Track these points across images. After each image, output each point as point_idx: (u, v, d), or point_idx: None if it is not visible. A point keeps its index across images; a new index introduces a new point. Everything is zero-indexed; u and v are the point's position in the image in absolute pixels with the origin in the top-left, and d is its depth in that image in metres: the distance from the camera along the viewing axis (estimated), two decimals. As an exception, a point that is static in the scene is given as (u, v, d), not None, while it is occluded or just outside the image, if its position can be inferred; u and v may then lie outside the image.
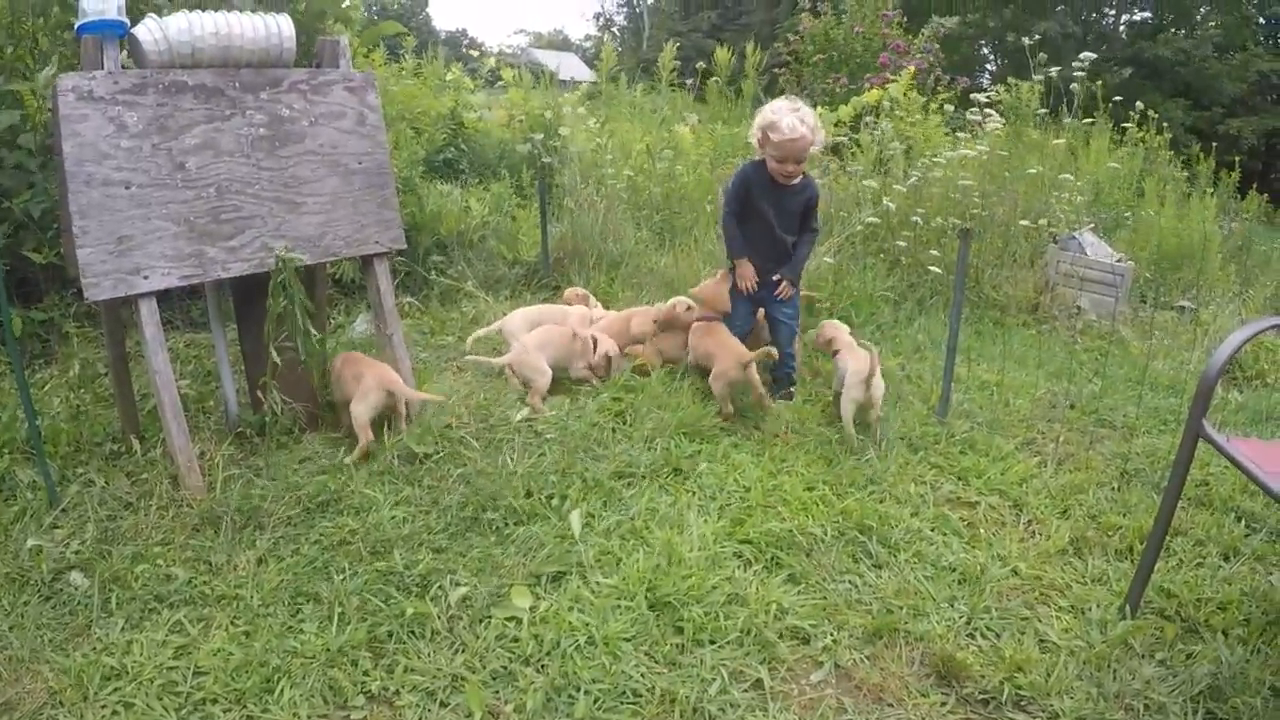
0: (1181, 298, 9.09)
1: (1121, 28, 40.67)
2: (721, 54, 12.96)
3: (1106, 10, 41.15)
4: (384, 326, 4.88)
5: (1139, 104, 11.75)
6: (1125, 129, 11.77)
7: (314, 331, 4.43)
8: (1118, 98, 11.80)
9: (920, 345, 6.67)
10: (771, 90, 17.13)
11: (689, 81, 14.09)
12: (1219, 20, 35.65)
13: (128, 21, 4.03)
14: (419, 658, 3.09)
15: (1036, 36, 13.25)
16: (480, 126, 11.10)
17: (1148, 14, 39.90)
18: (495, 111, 11.96)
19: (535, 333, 5.55)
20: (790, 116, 5.15)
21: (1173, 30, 36.34)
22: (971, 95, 9.58)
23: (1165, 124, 12.91)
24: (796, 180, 5.40)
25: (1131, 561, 3.83)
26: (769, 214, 5.47)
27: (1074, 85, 9.57)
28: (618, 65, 12.46)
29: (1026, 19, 35.40)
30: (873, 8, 16.03)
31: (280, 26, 4.42)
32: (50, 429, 4.48)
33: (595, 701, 2.93)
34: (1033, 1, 36.86)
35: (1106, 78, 14.77)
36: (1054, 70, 9.70)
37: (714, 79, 13.21)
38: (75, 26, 4.03)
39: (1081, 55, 9.63)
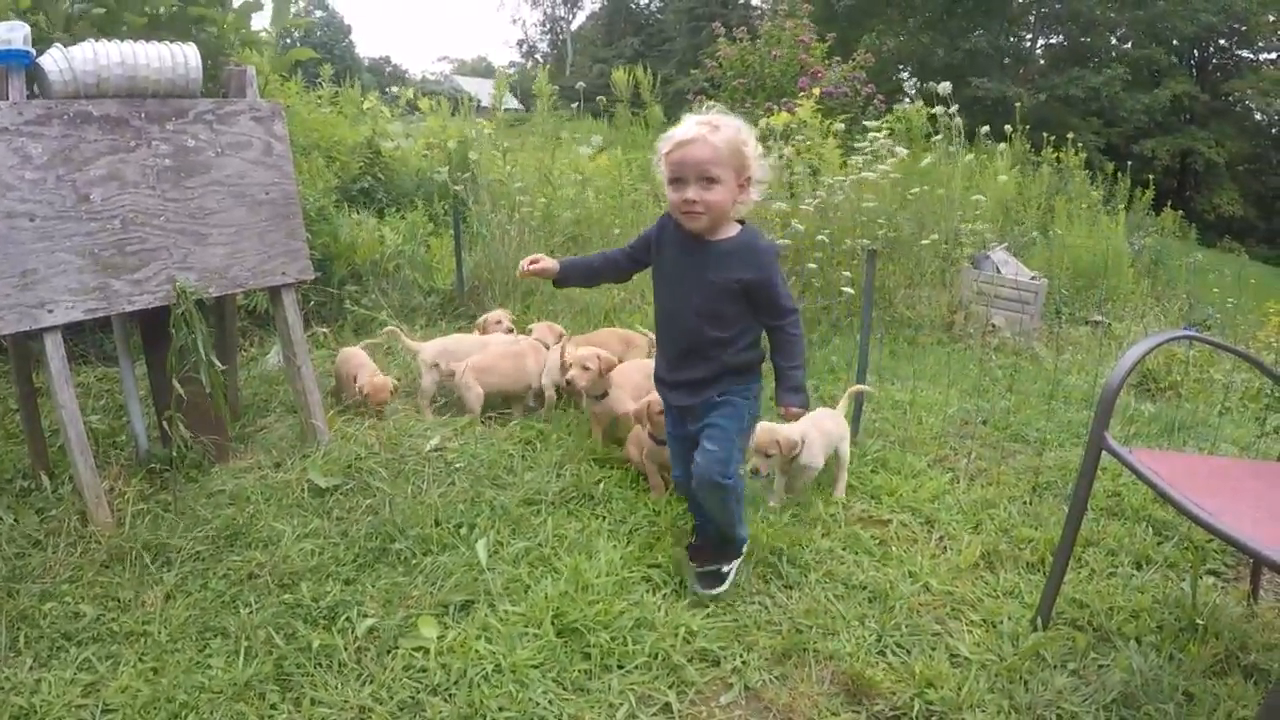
0: (1095, 313, 9.24)
1: (1039, 51, 41.46)
2: (619, 75, 12.99)
3: (1024, 35, 41.95)
4: (293, 358, 4.85)
5: (1052, 130, 12.01)
6: (1040, 151, 12.00)
7: (218, 364, 4.39)
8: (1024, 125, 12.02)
9: (834, 366, 6.75)
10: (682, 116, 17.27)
11: (599, 104, 14.12)
12: (1132, 45, 36.42)
13: (33, 52, 3.99)
14: (326, 690, 3.06)
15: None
16: (397, 155, 11.08)
17: (1063, 38, 40.71)
18: (414, 140, 11.95)
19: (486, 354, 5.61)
20: (688, 120, 3.50)
21: (1088, 57, 37.14)
22: (865, 124, 9.76)
23: (1079, 145, 13.14)
24: (712, 228, 3.51)
25: (1043, 573, 3.86)
26: (678, 286, 3.63)
27: (951, 113, 9.84)
28: (535, 93, 12.50)
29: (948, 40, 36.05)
30: (790, 33, 16.21)
31: (187, 56, 4.39)
32: (-41, 465, 4.39)
33: (503, 730, 2.92)
34: (953, 24, 37.47)
35: (1023, 102, 15.04)
36: (945, 94, 9.94)
37: (619, 103, 13.24)
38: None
39: (941, 85, 9.91)
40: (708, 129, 3.40)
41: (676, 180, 3.46)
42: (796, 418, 3.68)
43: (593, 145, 10.48)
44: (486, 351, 5.64)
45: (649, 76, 13.02)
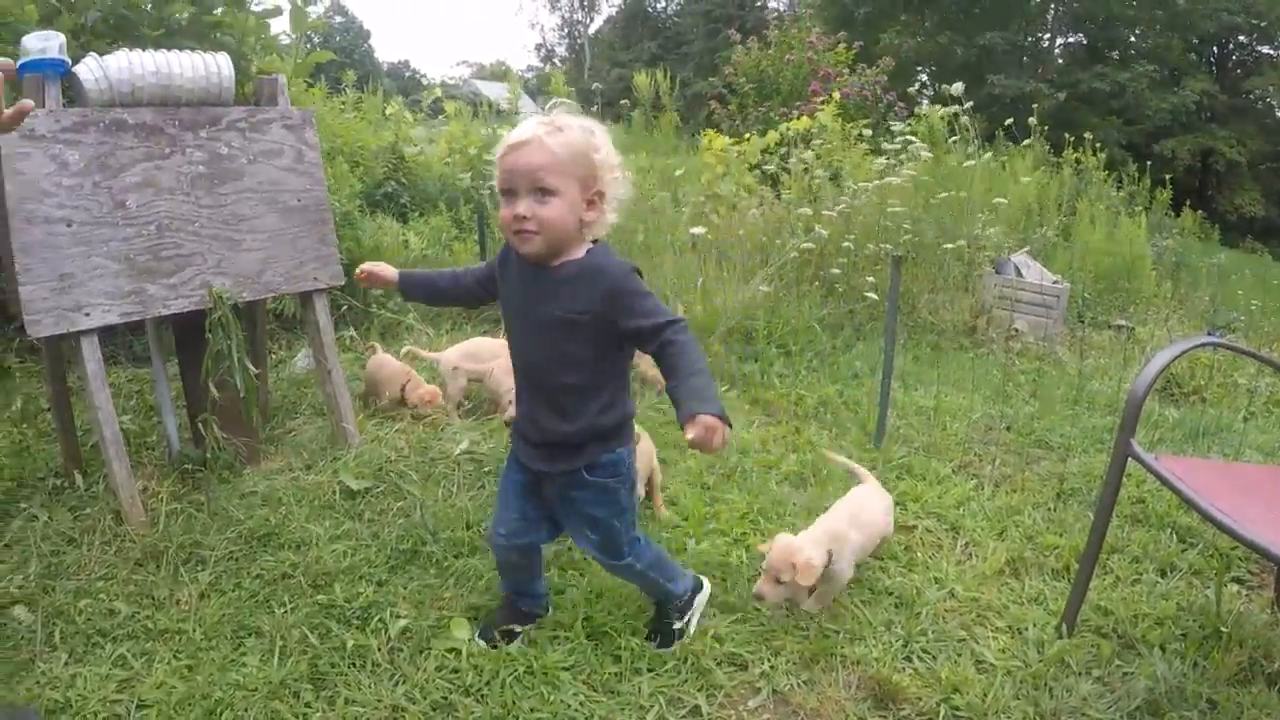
0: (1118, 317, 9.22)
1: (1057, 50, 41.23)
2: (641, 79, 12.98)
3: (1041, 35, 41.72)
4: (324, 361, 4.90)
5: (1073, 130, 11.95)
6: (1060, 151, 11.96)
7: (252, 367, 4.44)
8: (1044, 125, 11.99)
9: (858, 372, 6.74)
10: (702, 120, 17.30)
11: (620, 108, 14.13)
12: (1151, 42, 36.13)
13: (69, 60, 4.05)
14: (360, 689, 3.10)
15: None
16: (420, 160, 11.10)
17: (1081, 37, 40.47)
18: (437, 145, 11.97)
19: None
20: (527, 119, 2.92)
21: (1107, 53, 36.83)
22: (890, 127, 9.75)
23: (1098, 145, 13.10)
24: (552, 253, 2.87)
25: (1068, 580, 3.87)
26: (520, 324, 3.08)
27: (964, 117, 9.83)
28: (553, 97, 12.50)
29: (965, 39, 35.90)
30: (798, 37, 16.26)
31: (220, 66, 4.44)
32: (-8, 464, 4.45)
33: (535, 731, 2.96)
34: (970, 23, 37.29)
35: (1042, 101, 15.01)
36: (957, 95, 9.91)
37: (638, 107, 13.23)
38: (17, 66, 4.04)
39: (954, 86, 9.88)
40: (546, 129, 2.81)
41: (507, 192, 2.85)
42: (711, 432, 2.51)
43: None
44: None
45: (668, 80, 12.99)
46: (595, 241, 2.96)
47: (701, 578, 3.58)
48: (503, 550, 3.31)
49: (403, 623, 3.42)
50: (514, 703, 3.03)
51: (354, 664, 3.23)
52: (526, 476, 3.20)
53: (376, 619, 3.46)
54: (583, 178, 2.82)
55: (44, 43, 3.95)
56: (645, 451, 4.27)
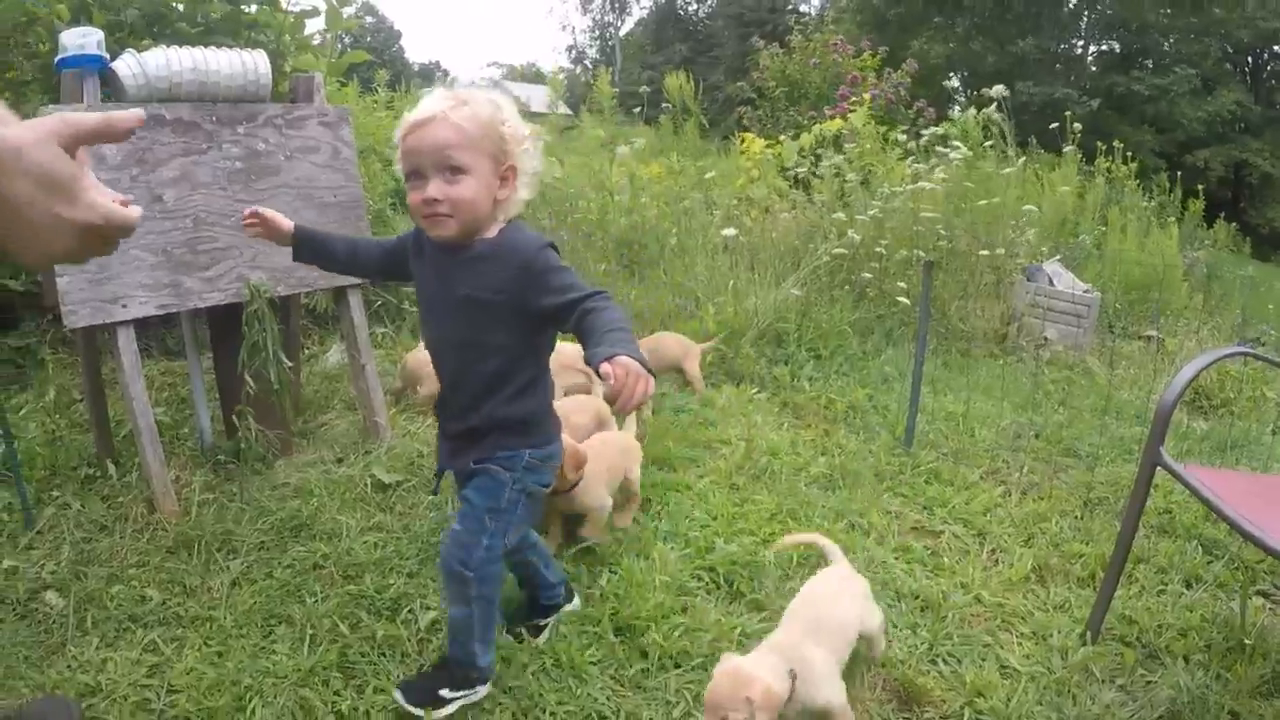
0: (1148, 327, 9.19)
1: (1090, 57, 40.99)
2: (672, 81, 12.99)
3: (1075, 41, 41.47)
4: (357, 356, 4.93)
5: (1106, 138, 11.89)
6: (1093, 159, 11.92)
7: (287, 361, 4.48)
8: (1076, 126, 11.93)
9: (888, 376, 6.74)
10: (733, 123, 17.32)
11: (639, 110, 14.13)
12: (1187, 51, 35.82)
13: (107, 56, 4.10)
14: (389, 679, 3.12)
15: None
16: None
17: (1115, 44, 40.21)
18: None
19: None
20: (429, 95, 2.73)
21: (1141, 61, 36.56)
22: (922, 131, 9.73)
23: (1129, 155, 13.05)
24: (467, 236, 2.71)
25: (1093, 589, 3.86)
26: (433, 310, 2.93)
27: (995, 115, 9.80)
28: (585, 99, 12.52)
29: (998, 46, 35.72)
30: (821, 40, 16.30)
31: (257, 63, 4.48)
32: (26, 452, 4.51)
33: (561, 725, 2.98)
34: (1002, 29, 37.11)
35: (1074, 109, 14.95)
36: (997, 96, 9.89)
37: (667, 107, 13.23)
38: (56, 61, 4.09)
39: (994, 89, 9.84)
40: (451, 104, 2.62)
41: (413, 175, 2.67)
42: (631, 374, 2.12)
43: (633, 146, 10.43)
44: None
45: (691, 84, 13.00)
46: (516, 224, 2.82)
47: (490, 676, 3.06)
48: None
49: (432, 614, 3.45)
50: (541, 695, 3.06)
51: (384, 654, 3.26)
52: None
53: (406, 610, 3.49)
54: (493, 153, 2.67)
55: (83, 39, 4.01)
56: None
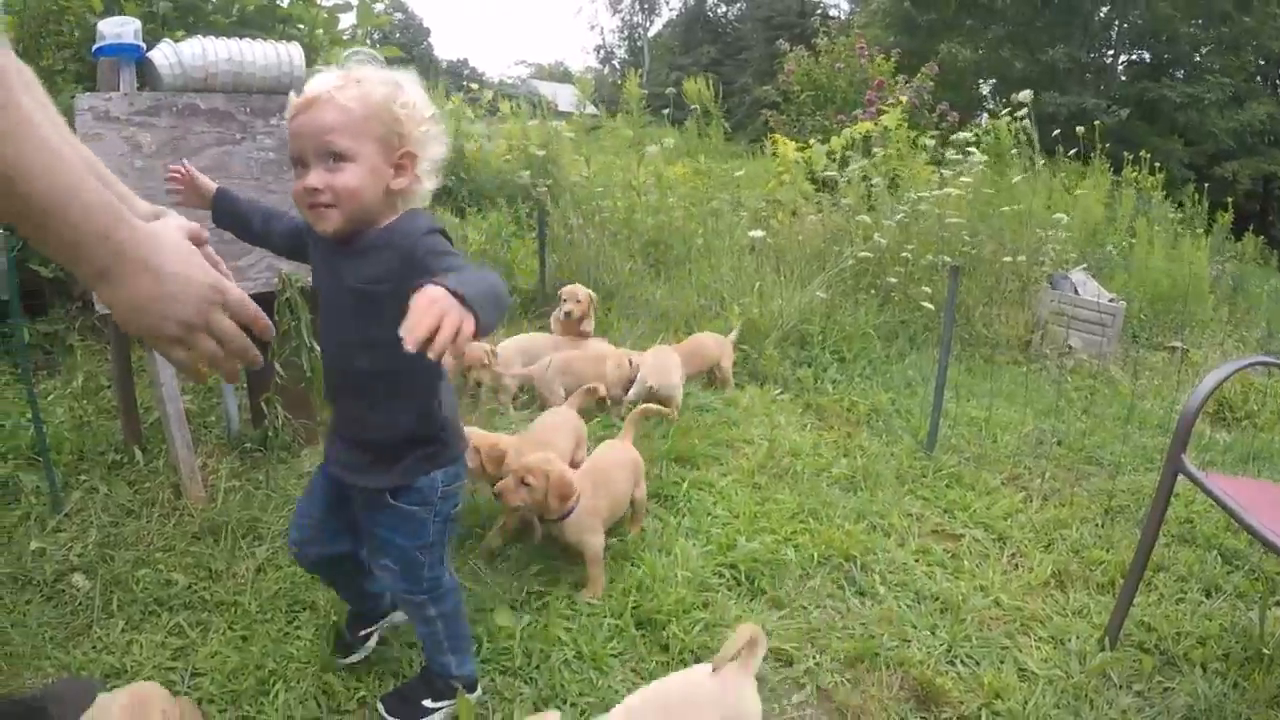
0: (1173, 338, 9.17)
1: (1120, 67, 40.76)
2: (690, 85, 12.98)
3: (1105, 50, 41.26)
4: (384, 347, 4.93)
5: (1134, 148, 11.86)
6: (1121, 169, 11.89)
7: (318, 349, 4.51)
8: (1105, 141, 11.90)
9: (911, 381, 6.76)
10: (760, 126, 17.33)
11: (668, 111, 14.13)
12: (1219, 62, 35.56)
13: (144, 45, 4.14)
14: (411, 666, 3.15)
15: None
16: (479, 156, 11.15)
17: (1145, 54, 39.98)
18: (495, 141, 12.02)
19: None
20: (316, 77, 2.42)
21: (1172, 72, 36.31)
22: (951, 137, 9.71)
23: (1158, 165, 13.01)
24: (354, 229, 2.43)
25: (1113, 595, 3.87)
26: (324, 306, 2.66)
27: (1025, 122, 9.78)
28: (611, 99, 12.52)
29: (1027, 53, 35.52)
30: (845, 45, 16.30)
31: (292, 55, 4.52)
32: (54, 437, 4.55)
33: (582, 714, 2.99)
34: (1033, 36, 36.94)
35: (1104, 119, 14.92)
36: (1025, 101, 9.87)
37: (693, 109, 13.22)
38: (93, 49, 4.14)
39: (1021, 94, 9.81)
40: (339, 84, 2.35)
41: (296, 161, 2.40)
42: (429, 300, 1.78)
43: (663, 146, 10.43)
44: (567, 353, 5.73)
45: (712, 88, 12.97)
46: (415, 213, 2.52)
47: (477, 681, 3.02)
48: (303, 561, 2.97)
49: (454, 603, 3.46)
50: (563, 686, 3.08)
51: (406, 642, 3.28)
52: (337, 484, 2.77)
53: (429, 599, 3.50)
54: (384, 137, 2.39)
55: (120, 28, 4.06)
56: (631, 464, 4.04)
